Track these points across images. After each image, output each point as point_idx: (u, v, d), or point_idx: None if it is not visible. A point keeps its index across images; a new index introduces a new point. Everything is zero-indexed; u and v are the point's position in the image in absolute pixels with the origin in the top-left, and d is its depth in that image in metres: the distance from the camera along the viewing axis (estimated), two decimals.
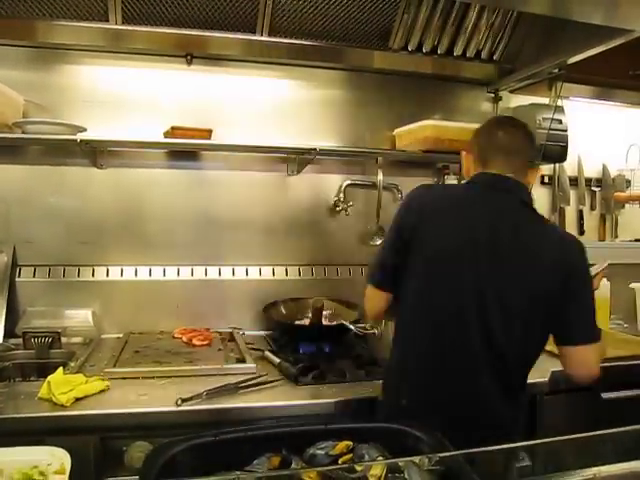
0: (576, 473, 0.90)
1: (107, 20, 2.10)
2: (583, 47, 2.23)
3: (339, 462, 0.74)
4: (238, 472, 0.70)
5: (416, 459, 0.67)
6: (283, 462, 0.74)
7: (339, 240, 2.56)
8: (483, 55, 2.54)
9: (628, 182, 2.97)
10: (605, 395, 2.00)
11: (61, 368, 1.67)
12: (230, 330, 2.30)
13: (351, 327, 1.93)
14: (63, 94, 2.23)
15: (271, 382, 1.74)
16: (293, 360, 1.92)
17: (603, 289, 2.52)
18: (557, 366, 1.96)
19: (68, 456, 0.67)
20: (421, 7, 2.30)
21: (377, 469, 0.68)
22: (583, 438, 1.00)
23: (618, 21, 1.85)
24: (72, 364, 1.85)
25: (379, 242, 2.55)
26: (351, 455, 0.76)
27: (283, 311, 2.32)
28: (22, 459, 0.72)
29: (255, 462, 0.73)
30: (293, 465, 0.74)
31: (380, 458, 0.74)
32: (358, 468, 0.66)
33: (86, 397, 1.56)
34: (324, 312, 2.22)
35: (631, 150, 2.92)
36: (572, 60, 2.33)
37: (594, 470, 0.87)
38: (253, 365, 1.85)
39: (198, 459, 0.72)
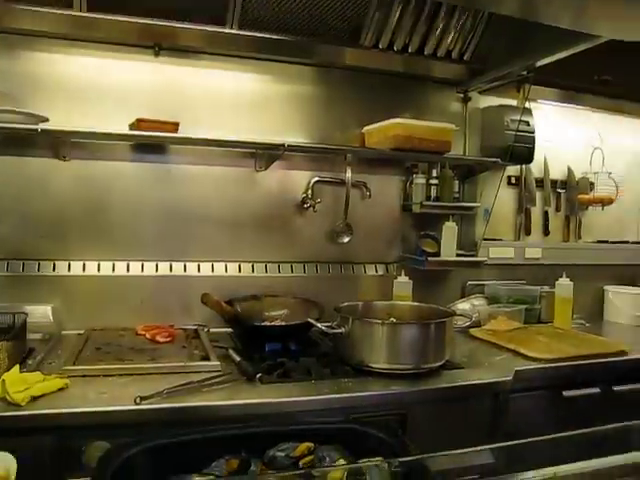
0: (536, 472, 0.91)
1: (71, 6, 2.04)
2: (551, 51, 2.27)
3: (300, 464, 0.73)
4: (196, 475, 0.67)
5: (377, 461, 0.66)
6: (242, 464, 0.73)
7: (306, 237, 2.55)
8: (453, 55, 2.56)
9: (592, 185, 3.02)
10: (566, 393, 2.04)
11: (17, 366, 1.61)
12: (195, 327, 2.26)
13: (318, 325, 1.91)
14: (25, 82, 2.16)
15: (235, 380, 1.71)
16: (258, 358, 1.91)
17: (566, 289, 2.57)
18: (520, 365, 2.00)
19: (14, 460, 0.63)
20: (393, 5, 2.30)
21: (337, 472, 0.66)
22: (544, 439, 1.00)
23: (585, 26, 1.88)
24: (29, 361, 1.80)
25: (347, 240, 2.55)
26: (312, 457, 0.75)
27: (238, 309, 2.27)
28: None
29: (213, 464, 0.71)
30: (252, 468, 0.72)
31: (341, 460, 0.73)
32: (315, 474, 0.65)
33: (44, 396, 1.52)
34: (280, 312, 2.26)
35: (595, 153, 2.98)
36: (540, 63, 2.37)
37: (554, 469, 0.88)
38: (217, 363, 1.82)
39: (153, 462, 0.70)
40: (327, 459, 0.74)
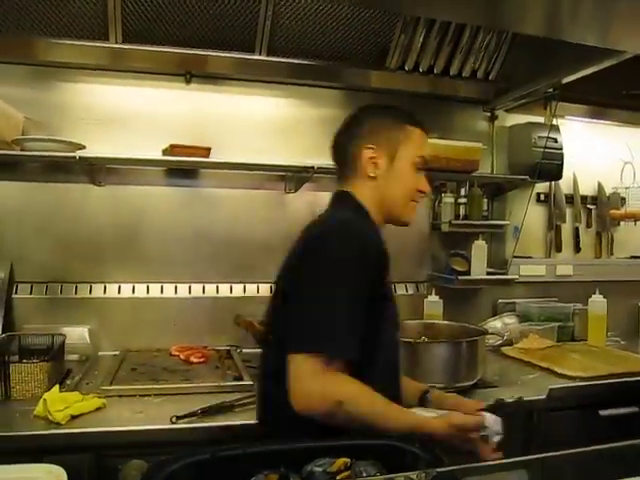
0: None
1: (107, 39, 2.13)
2: (577, 67, 2.27)
3: (337, 479, 0.74)
4: None
5: (412, 475, 0.67)
6: (281, 479, 0.74)
7: None
8: (479, 75, 2.58)
9: (623, 200, 2.99)
10: (603, 412, 1.99)
11: (57, 385, 1.66)
12: (227, 348, 2.30)
13: None
14: (63, 112, 2.25)
15: None
16: None
17: (600, 305, 2.53)
18: (555, 383, 1.98)
19: (65, 474, 0.66)
20: (418, 28, 2.34)
21: None
22: (579, 453, 0.99)
23: (610, 42, 1.89)
24: (68, 382, 1.85)
25: None
26: (349, 472, 0.76)
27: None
28: (17, 476, 0.70)
29: (252, 479, 0.73)
30: None
31: (378, 475, 0.74)
32: None
33: (82, 415, 1.55)
34: None
35: (626, 168, 2.95)
36: (566, 80, 2.37)
37: None
38: (251, 382, 1.83)
39: (196, 477, 0.72)
40: (364, 474, 0.75)
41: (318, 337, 1.13)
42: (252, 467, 0.74)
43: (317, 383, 1.09)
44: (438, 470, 0.67)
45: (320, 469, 0.76)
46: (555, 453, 0.92)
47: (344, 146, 1.43)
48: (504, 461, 0.75)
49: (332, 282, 1.18)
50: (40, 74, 2.22)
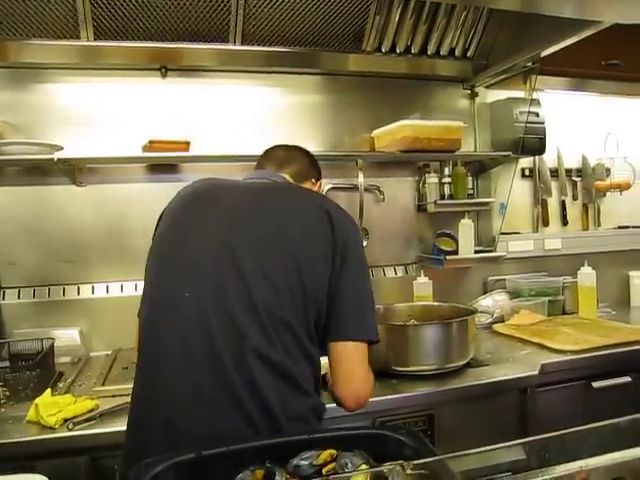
0: (564, 466, 0.90)
1: (78, 37, 2.09)
2: (555, 40, 2.25)
3: (323, 471, 0.74)
4: None
5: (398, 464, 0.67)
6: (267, 475, 0.74)
7: None
8: (457, 52, 2.56)
9: (608, 170, 2.99)
10: (596, 384, 2.01)
11: (49, 389, 1.65)
12: None
13: None
14: (38, 113, 2.22)
15: None
16: None
17: (589, 277, 2.55)
18: (547, 358, 1.99)
19: None
20: (392, 8, 2.31)
21: (359, 478, 0.67)
22: (573, 432, 0.99)
23: (587, 13, 1.88)
24: (60, 384, 1.85)
25: (364, 244, 2.54)
26: (334, 464, 0.76)
27: None
28: None
29: (239, 476, 0.72)
30: (277, 477, 0.74)
31: (364, 465, 0.74)
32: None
33: (75, 417, 1.55)
34: None
35: (609, 139, 2.95)
36: (545, 53, 2.36)
37: (581, 463, 0.87)
38: None
39: (182, 477, 0.72)
40: (350, 465, 0.75)
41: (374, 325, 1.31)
42: (239, 463, 0.74)
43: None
44: (427, 460, 0.67)
45: (306, 462, 0.76)
46: (548, 435, 0.91)
47: None
48: (496, 446, 0.75)
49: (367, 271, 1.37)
50: (13, 76, 2.19)
